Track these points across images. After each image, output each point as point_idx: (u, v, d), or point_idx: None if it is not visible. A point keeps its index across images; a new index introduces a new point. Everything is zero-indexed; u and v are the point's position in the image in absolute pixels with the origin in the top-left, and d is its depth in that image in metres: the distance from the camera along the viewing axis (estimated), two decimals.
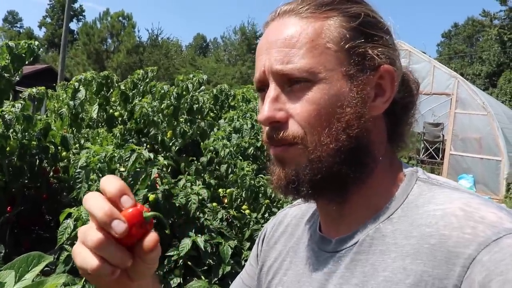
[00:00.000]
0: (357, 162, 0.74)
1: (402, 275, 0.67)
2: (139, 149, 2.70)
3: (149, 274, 0.67)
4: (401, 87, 0.80)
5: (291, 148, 0.75)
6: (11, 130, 2.72)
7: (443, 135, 14.23)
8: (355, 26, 0.74)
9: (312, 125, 0.73)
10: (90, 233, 0.60)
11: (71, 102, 3.52)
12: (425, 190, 0.75)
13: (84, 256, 0.61)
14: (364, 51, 0.74)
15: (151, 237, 0.62)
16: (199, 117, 4.32)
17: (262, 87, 0.79)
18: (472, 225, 0.64)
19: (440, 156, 14.24)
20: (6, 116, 2.63)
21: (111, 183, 0.63)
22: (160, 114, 4.07)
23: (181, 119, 4.20)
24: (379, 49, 0.75)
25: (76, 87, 3.63)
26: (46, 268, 2.48)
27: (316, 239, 0.85)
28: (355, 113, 0.73)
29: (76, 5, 58.14)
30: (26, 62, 3.05)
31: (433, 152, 14.86)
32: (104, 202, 0.60)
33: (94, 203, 0.61)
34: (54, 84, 5.09)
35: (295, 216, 0.98)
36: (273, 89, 0.75)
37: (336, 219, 0.81)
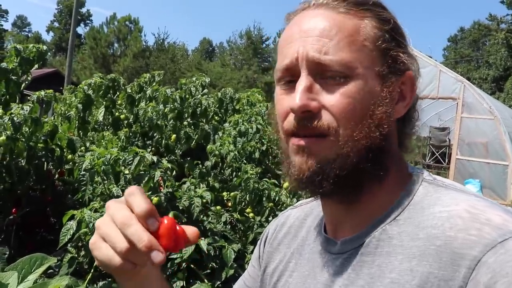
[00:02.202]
0: (381, 161, 0.75)
1: (408, 277, 0.67)
2: (142, 152, 2.71)
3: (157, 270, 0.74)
4: None
5: (321, 140, 0.73)
6: (19, 133, 2.74)
7: (449, 140, 14.18)
8: (388, 29, 0.76)
9: (347, 118, 0.72)
10: (118, 239, 0.63)
11: (80, 106, 3.54)
12: (430, 192, 0.75)
13: (107, 254, 0.65)
14: (397, 55, 0.76)
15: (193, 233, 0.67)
16: (204, 120, 4.33)
17: (286, 77, 0.78)
18: (478, 227, 0.64)
19: (446, 160, 14.18)
20: (15, 118, 2.65)
21: (139, 202, 0.64)
22: (164, 118, 4.08)
23: (185, 123, 4.21)
24: (406, 55, 0.77)
25: (86, 91, 3.65)
26: (50, 270, 2.49)
27: (321, 241, 0.86)
28: (386, 112, 0.74)
29: (84, 10, 58.56)
30: (36, 66, 3.08)
31: (439, 157, 14.80)
32: (142, 231, 0.62)
33: (131, 229, 0.62)
34: (61, 88, 5.12)
35: (298, 217, 0.98)
36: (306, 78, 0.73)
37: (341, 220, 0.81)
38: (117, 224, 0.63)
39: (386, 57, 0.75)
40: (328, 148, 0.73)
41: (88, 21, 60.98)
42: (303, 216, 0.97)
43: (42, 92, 3.00)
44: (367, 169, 0.74)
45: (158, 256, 0.61)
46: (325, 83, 0.73)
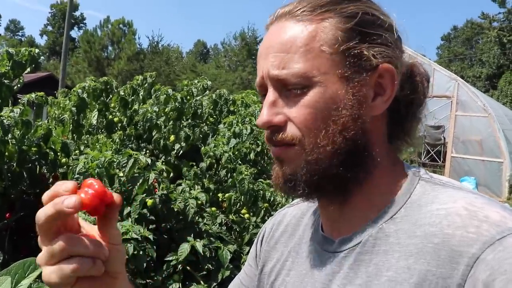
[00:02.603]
0: (354, 163, 0.74)
1: (406, 275, 0.67)
2: (136, 155, 2.70)
3: (122, 261, 0.70)
4: (405, 84, 0.80)
5: (289, 148, 0.76)
6: (9, 136, 2.72)
7: (444, 138, 14.24)
8: (350, 26, 0.74)
9: (309, 128, 0.74)
10: (53, 244, 0.61)
11: (74, 109, 3.52)
12: (428, 190, 0.75)
13: (59, 268, 0.61)
14: (360, 52, 0.74)
15: (115, 196, 0.64)
16: (202, 121, 4.34)
17: (263, 92, 0.80)
18: (476, 224, 0.64)
19: (442, 158, 14.24)
20: (4, 121, 2.63)
21: (46, 194, 0.63)
22: (163, 118, 4.08)
23: (184, 123, 4.21)
24: (376, 48, 0.75)
25: (80, 94, 3.65)
26: None
27: (318, 239, 0.85)
28: (351, 115, 0.73)
29: (77, 13, 58.46)
30: (28, 70, 3.07)
31: (434, 155, 14.85)
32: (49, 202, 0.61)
33: (42, 210, 0.61)
34: (55, 92, 5.11)
35: (295, 215, 0.97)
36: (271, 94, 0.77)
37: (338, 219, 0.81)
38: (49, 211, 0.61)
39: (349, 57, 0.73)
40: (295, 156, 0.76)
41: (82, 25, 60.87)
42: (300, 214, 0.97)
43: (33, 95, 2.98)
44: (341, 172, 0.74)
45: (69, 200, 0.58)
46: (289, 95, 0.75)
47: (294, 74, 0.73)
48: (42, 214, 0.61)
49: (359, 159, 0.75)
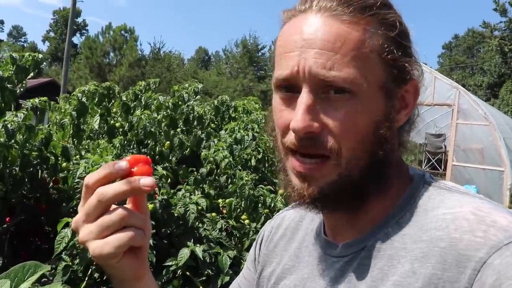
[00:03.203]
0: (381, 174, 0.74)
1: (411, 279, 0.66)
2: None
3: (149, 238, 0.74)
4: None
5: (322, 165, 0.71)
6: (13, 140, 2.73)
7: (445, 146, 14.23)
8: (393, 36, 0.72)
9: (350, 139, 0.70)
10: (109, 217, 0.66)
11: (74, 113, 3.52)
12: (433, 194, 0.74)
13: (115, 238, 0.66)
14: (403, 65, 0.73)
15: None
16: (198, 127, 4.33)
17: (289, 86, 0.73)
18: (484, 228, 0.64)
19: (442, 167, 14.22)
20: (8, 125, 2.64)
21: (92, 174, 0.69)
22: (157, 126, 4.08)
23: (178, 130, 4.21)
24: (412, 63, 0.74)
25: (80, 98, 3.65)
26: (43, 279, 2.47)
27: (320, 244, 0.85)
28: (390, 128, 0.73)
29: (79, 20, 58.68)
30: (31, 75, 3.08)
31: (435, 163, 14.83)
32: (113, 182, 0.68)
33: (108, 187, 0.67)
34: (57, 97, 5.12)
35: (293, 219, 0.97)
36: (308, 95, 0.69)
37: (342, 224, 0.81)
38: (101, 209, 0.68)
39: (392, 68, 0.71)
40: (328, 172, 0.71)
41: (84, 31, 61.11)
42: (298, 217, 0.96)
43: (37, 100, 2.99)
44: (370, 185, 0.73)
45: (146, 180, 0.66)
46: (327, 100, 0.70)
47: (343, 78, 0.67)
48: (111, 190, 0.66)
49: (386, 170, 0.74)
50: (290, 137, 0.72)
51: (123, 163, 0.67)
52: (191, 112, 4.17)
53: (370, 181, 0.73)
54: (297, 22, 0.73)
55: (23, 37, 70.88)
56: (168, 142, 4.03)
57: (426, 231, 0.69)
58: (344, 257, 0.77)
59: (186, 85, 4.43)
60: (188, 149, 4.10)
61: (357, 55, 0.68)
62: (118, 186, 0.66)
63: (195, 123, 4.28)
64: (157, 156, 4.05)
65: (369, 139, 0.71)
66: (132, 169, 0.67)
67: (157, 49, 36.06)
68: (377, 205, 0.77)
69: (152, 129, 3.93)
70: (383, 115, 0.72)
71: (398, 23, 0.72)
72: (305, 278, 0.84)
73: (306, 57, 0.69)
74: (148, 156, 0.69)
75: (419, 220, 0.71)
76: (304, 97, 0.69)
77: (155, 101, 4.13)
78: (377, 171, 0.73)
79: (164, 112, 4.08)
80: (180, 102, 4.15)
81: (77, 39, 56.51)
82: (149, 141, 4.06)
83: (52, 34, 63.53)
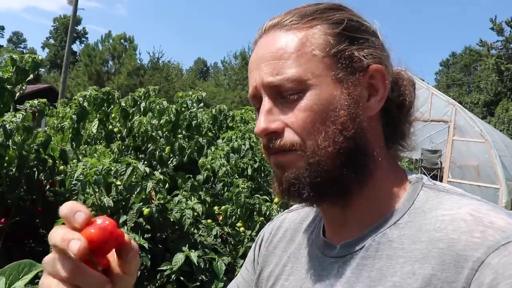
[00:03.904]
0: (356, 163, 0.75)
1: (411, 280, 0.67)
2: (134, 163, 2.71)
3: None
4: (394, 86, 0.82)
5: (289, 153, 0.76)
6: (10, 140, 2.73)
7: (441, 162, 14.23)
8: (338, 31, 0.76)
9: (308, 131, 0.74)
10: (59, 264, 0.58)
11: (74, 116, 3.53)
12: (432, 196, 0.75)
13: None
14: (351, 54, 0.76)
15: (132, 251, 0.62)
16: (200, 135, 4.35)
17: (257, 103, 0.81)
18: (481, 229, 0.65)
19: None
20: (7, 126, 2.65)
21: (64, 206, 0.61)
22: (159, 131, 4.10)
23: (179, 135, 4.22)
24: (365, 50, 0.77)
25: (81, 103, 3.66)
26: (37, 280, 2.46)
27: (319, 245, 0.85)
28: (349, 114, 0.74)
29: (79, 27, 58.93)
30: (31, 76, 3.09)
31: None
32: (61, 228, 0.58)
33: (54, 234, 0.59)
34: (55, 103, 5.14)
35: (294, 221, 0.97)
36: (266, 102, 0.77)
37: (340, 224, 0.81)
38: (55, 244, 0.58)
39: (340, 59, 0.76)
40: (297, 159, 0.75)
41: (84, 39, 61.34)
42: (299, 220, 0.96)
43: (36, 101, 3.00)
44: (344, 173, 0.74)
45: (75, 244, 0.55)
46: (285, 102, 0.76)
47: (288, 79, 0.74)
48: (54, 235, 0.58)
49: (361, 159, 0.76)
50: (264, 140, 0.79)
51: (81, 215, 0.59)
52: (194, 119, 4.19)
53: (344, 170, 0.74)
54: (255, 47, 0.82)
55: (23, 43, 71.05)
56: (168, 147, 4.05)
57: (425, 232, 0.70)
58: (342, 257, 0.78)
59: (190, 92, 4.47)
60: (186, 156, 4.11)
61: (299, 55, 0.75)
62: (56, 234, 0.58)
63: (190, 129, 4.30)
64: (154, 162, 4.06)
65: (328, 128, 0.74)
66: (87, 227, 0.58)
67: (156, 59, 36.09)
68: (372, 206, 0.78)
69: (153, 134, 3.95)
70: (340, 104, 0.74)
71: (346, 20, 0.77)
72: (302, 279, 0.84)
73: (259, 72, 0.78)
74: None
75: (418, 221, 0.72)
76: (264, 104, 0.77)
77: (159, 106, 4.14)
78: (349, 159, 0.74)
79: (167, 117, 4.10)
80: (183, 109, 4.18)
81: (76, 47, 56.72)
82: (149, 145, 4.07)
83: (52, 41, 63.77)
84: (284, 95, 0.75)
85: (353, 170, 0.75)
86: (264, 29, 0.81)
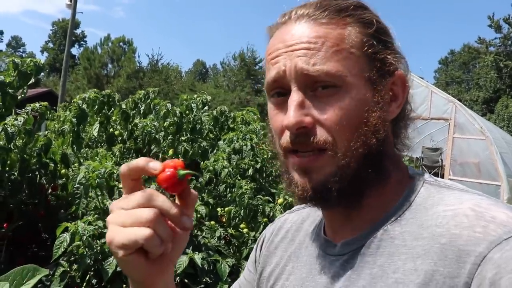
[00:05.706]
0: (380, 165, 0.75)
1: (413, 276, 0.67)
2: None
3: (181, 251, 0.74)
4: None
5: (320, 156, 0.73)
6: (12, 144, 2.73)
7: (441, 160, 14.23)
8: (372, 32, 0.75)
9: (342, 130, 0.72)
10: (141, 211, 0.63)
11: (74, 120, 3.52)
12: (433, 192, 0.75)
13: (132, 231, 0.63)
14: (384, 57, 0.76)
15: (192, 194, 0.69)
16: (201, 137, 4.35)
17: (276, 89, 0.77)
18: (483, 224, 0.64)
19: None
20: (8, 129, 2.64)
21: (130, 163, 0.67)
22: (162, 133, 4.09)
23: (183, 138, 4.22)
24: (394, 55, 0.77)
25: (80, 105, 3.65)
26: (40, 285, 2.45)
27: (320, 243, 0.85)
28: (381, 117, 0.74)
29: (78, 31, 58.97)
30: (32, 80, 3.08)
31: None
32: (168, 200, 0.65)
33: (159, 200, 0.64)
34: (55, 107, 5.14)
35: (295, 221, 0.97)
36: (296, 94, 0.73)
37: (342, 222, 0.81)
38: (140, 204, 0.64)
39: (374, 61, 0.75)
40: (327, 163, 0.73)
41: (83, 42, 61.36)
42: (300, 220, 0.96)
43: (37, 104, 3.00)
44: (369, 175, 0.74)
45: (188, 221, 0.65)
46: (316, 96, 0.73)
47: (327, 72, 0.71)
48: (159, 202, 0.64)
49: (384, 161, 0.76)
50: (286, 137, 0.75)
51: (157, 165, 0.66)
52: (198, 122, 4.19)
53: (369, 172, 0.74)
54: (279, 33, 0.78)
55: (22, 48, 71.10)
56: (171, 149, 4.04)
57: (426, 228, 0.70)
58: (343, 255, 0.78)
59: (195, 95, 4.48)
60: (188, 158, 4.11)
61: (338, 51, 0.72)
62: (167, 205, 0.64)
63: (194, 132, 4.30)
64: None
65: (361, 129, 0.72)
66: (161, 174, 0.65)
67: (155, 61, 36.15)
68: (376, 202, 0.77)
69: (157, 136, 3.94)
70: (372, 106, 0.74)
71: (375, 21, 0.76)
72: (303, 278, 0.84)
73: (291, 58, 0.73)
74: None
75: (419, 218, 0.72)
76: (294, 96, 0.73)
77: (163, 108, 4.14)
78: (375, 161, 0.74)
79: (171, 120, 4.09)
80: (187, 111, 4.18)
81: (75, 50, 56.74)
82: (152, 147, 4.06)
83: (51, 44, 63.81)
84: (315, 87, 0.73)
85: (377, 172, 0.75)
86: (293, 17, 0.77)
